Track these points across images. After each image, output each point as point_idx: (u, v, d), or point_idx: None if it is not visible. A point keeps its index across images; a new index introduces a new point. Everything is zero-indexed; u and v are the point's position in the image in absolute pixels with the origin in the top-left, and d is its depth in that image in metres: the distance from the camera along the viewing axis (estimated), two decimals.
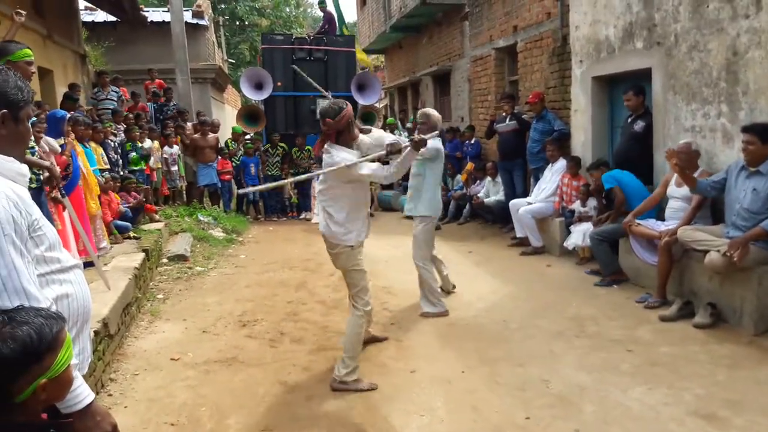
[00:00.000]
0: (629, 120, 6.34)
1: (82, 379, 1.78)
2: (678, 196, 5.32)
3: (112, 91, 10.53)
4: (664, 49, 5.86)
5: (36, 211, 1.82)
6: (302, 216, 11.57)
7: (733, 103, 5.12)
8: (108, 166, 7.45)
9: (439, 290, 5.47)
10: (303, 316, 5.34)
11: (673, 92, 5.80)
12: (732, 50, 5.07)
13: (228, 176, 11.28)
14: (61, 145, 5.43)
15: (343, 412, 3.52)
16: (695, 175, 5.20)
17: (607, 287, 5.80)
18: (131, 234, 7.00)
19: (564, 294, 5.70)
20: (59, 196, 5.08)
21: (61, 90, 9.09)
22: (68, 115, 6.07)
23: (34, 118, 5.21)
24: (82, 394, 1.74)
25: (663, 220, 5.48)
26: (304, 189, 11.67)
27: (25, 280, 1.65)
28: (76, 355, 2.01)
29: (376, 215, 11.47)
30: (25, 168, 1.85)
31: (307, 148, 11.70)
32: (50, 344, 1.49)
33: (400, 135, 13.20)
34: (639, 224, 5.45)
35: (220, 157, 11.24)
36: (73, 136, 6.05)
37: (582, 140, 7.53)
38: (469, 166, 10.12)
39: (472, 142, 10.56)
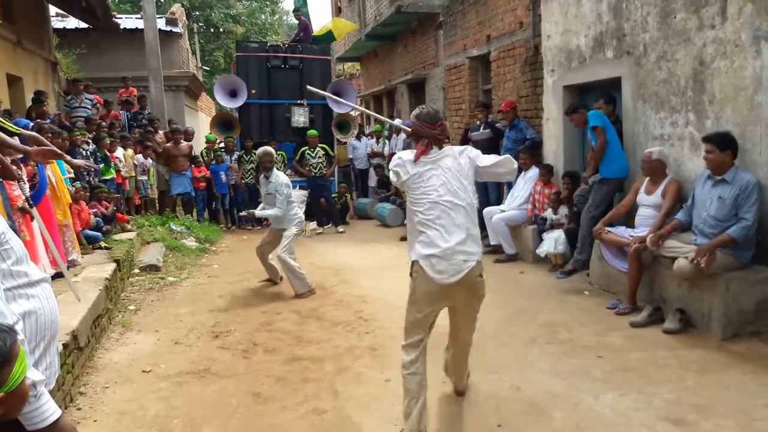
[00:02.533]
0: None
1: (48, 395, 1.75)
2: (647, 203, 5.40)
3: (86, 98, 10.41)
4: (634, 58, 5.96)
5: (2, 225, 1.80)
6: None
7: (699, 112, 5.23)
8: (73, 176, 7.32)
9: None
10: (277, 326, 5.31)
11: (642, 101, 5.91)
12: (699, 60, 5.19)
13: (203, 184, 11.15)
14: (22, 157, 5.32)
15: (316, 422, 3.50)
16: (664, 182, 5.30)
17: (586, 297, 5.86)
18: (102, 244, 6.89)
19: (536, 301, 5.75)
20: (26, 206, 4.99)
21: (30, 98, 8.96)
22: (31, 124, 5.98)
23: None
24: (48, 410, 1.71)
25: (633, 227, 5.55)
26: None
27: None
28: (44, 369, 1.98)
29: (351, 224, 11.47)
30: None
31: (279, 153, 11.64)
32: (5, 358, 1.46)
33: (384, 142, 13.31)
34: (609, 231, 5.52)
35: (194, 165, 11.13)
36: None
37: (554, 148, 7.62)
38: None
39: None
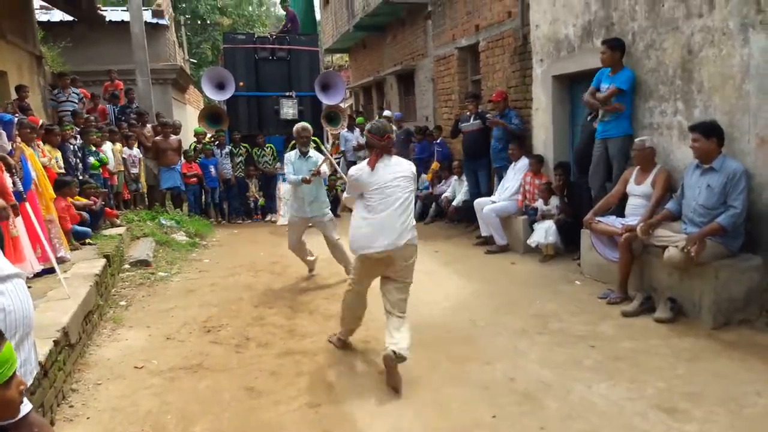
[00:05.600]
0: (589, 118, 6.43)
1: None
2: (637, 193, 5.42)
3: (73, 92, 10.32)
4: None
5: None
6: (267, 218, 11.45)
7: (688, 101, 5.25)
8: (63, 171, 7.27)
9: None
10: (269, 320, 5.30)
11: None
12: (687, 49, 5.20)
13: (194, 179, 11.08)
14: (9, 151, 5.29)
15: (309, 415, 3.51)
16: (654, 172, 5.33)
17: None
18: (88, 241, 6.83)
19: (528, 291, 5.77)
20: (15, 202, 4.96)
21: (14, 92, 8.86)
22: (16, 119, 5.93)
23: None
24: None
25: (623, 216, 5.57)
26: (270, 191, 11.56)
27: None
28: (19, 367, 1.96)
29: (342, 216, 11.44)
30: None
31: (268, 146, 11.57)
32: None
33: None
34: (599, 221, 5.54)
35: (184, 160, 11.06)
36: (20, 140, 5.88)
37: (543, 139, 7.63)
38: (435, 165, 10.16)
39: (438, 141, 10.54)
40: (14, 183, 5.15)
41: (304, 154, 6.43)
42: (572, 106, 7.40)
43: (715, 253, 4.54)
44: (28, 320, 2.01)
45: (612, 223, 5.48)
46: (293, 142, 10.82)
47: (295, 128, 6.47)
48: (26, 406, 1.71)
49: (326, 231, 6.42)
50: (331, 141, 14.43)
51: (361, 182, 3.95)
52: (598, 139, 6.02)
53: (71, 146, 8.03)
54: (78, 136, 8.58)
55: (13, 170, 5.12)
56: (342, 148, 13.06)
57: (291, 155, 6.49)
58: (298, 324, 5.16)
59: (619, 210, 5.68)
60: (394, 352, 3.72)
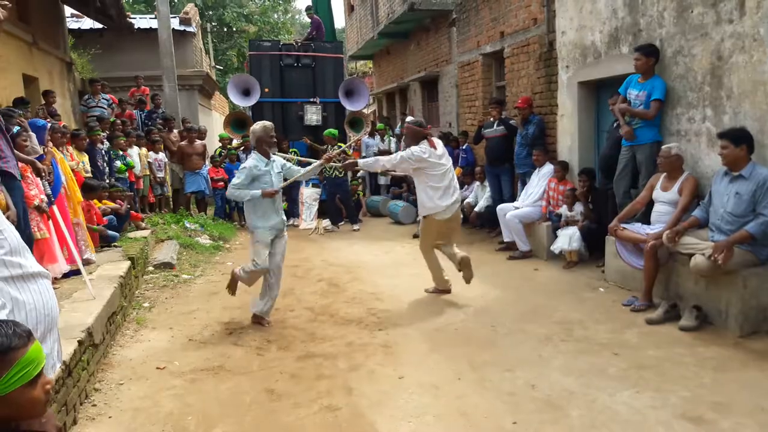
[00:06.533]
0: (615, 125, 6.37)
1: None
2: (664, 200, 5.34)
3: (103, 98, 10.52)
4: None
5: None
6: (290, 222, 11.49)
7: (717, 108, 5.16)
8: (90, 174, 7.38)
9: None
10: (290, 323, 5.31)
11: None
12: (716, 55, 5.12)
13: (222, 184, 11.19)
14: (39, 156, 5.38)
15: (329, 420, 3.50)
16: (681, 179, 5.25)
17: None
18: (114, 243, 6.91)
19: (551, 298, 5.71)
20: (44, 205, 5.04)
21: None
22: (49, 125, 6.04)
23: (18, 127, 5.19)
24: None
25: (649, 223, 5.50)
26: (292, 195, 11.62)
27: None
28: None
29: (364, 221, 11.46)
30: None
31: (292, 150, 11.64)
32: None
33: (389, 140, 13.24)
34: (625, 228, 5.47)
35: (211, 165, 11.18)
36: (51, 144, 6.00)
37: (568, 145, 7.56)
38: (457, 171, 10.11)
39: (464, 147, 10.52)
40: (44, 186, 5.25)
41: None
42: (598, 112, 7.33)
43: (743, 261, 4.45)
44: (49, 318, 2.05)
45: (637, 230, 5.41)
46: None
47: (252, 129, 5.26)
48: None
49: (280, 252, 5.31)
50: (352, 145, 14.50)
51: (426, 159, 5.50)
52: (626, 145, 5.96)
53: (99, 150, 8.17)
54: (105, 140, 8.73)
55: (43, 174, 5.22)
56: (363, 154, 13.09)
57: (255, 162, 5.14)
58: (318, 327, 5.16)
59: (645, 217, 5.61)
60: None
